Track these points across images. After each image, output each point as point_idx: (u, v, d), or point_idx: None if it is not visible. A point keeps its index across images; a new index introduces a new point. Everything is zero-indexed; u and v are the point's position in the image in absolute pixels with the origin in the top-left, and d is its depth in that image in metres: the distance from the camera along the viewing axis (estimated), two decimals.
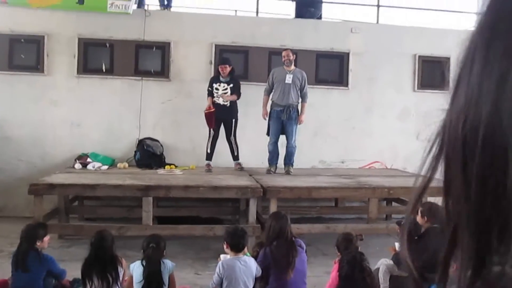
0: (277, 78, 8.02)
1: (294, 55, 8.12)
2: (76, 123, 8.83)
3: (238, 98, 8.14)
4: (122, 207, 8.04)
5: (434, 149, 0.57)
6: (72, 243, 6.95)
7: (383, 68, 9.66)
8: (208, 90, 8.12)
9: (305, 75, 8.06)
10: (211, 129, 8.07)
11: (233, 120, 8.19)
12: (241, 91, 8.14)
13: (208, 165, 8.15)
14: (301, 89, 8.01)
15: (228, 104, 8.09)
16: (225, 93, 8.04)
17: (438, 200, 0.56)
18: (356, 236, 4.34)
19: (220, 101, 8.05)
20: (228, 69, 8.05)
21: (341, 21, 10.90)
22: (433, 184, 0.59)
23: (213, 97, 8.04)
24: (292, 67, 8.06)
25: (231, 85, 8.08)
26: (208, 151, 8.17)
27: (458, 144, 0.53)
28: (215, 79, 8.21)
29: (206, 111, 7.98)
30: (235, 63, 8.47)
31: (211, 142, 8.13)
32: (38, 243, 4.33)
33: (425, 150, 0.57)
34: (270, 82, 8.09)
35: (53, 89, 8.78)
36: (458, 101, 0.54)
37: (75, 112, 8.82)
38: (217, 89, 8.06)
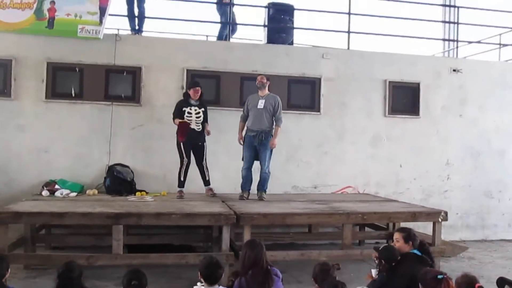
0: (251, 104, 8.09)
1: (268, 82, 8.14)
2: (44, 149, 8.61)
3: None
4: (91, 235, 7.83)
5: None
6: (38, 274, 6.71)
7: (354, 94, 9.76)
8: (173, 114, 8.04)
9: (278, 99, 8.08)
10: (184, 157, 7.96)
11: (204, 144, 8.13)
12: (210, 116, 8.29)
13: (181, 191, 8.01)
14: (274, 113, 8.00)
15: (200, 129, 8.02)
16: (198, 117, 7.98)
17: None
18: (333, 265, 4.25)
19: (193, 126, 7.97)
20: (200, 91, 8.03)
21: (312, 46, 11.00)
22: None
23: (183, 119, 7.95)
24: (266, 92, 8.09)
25: (202, 108, 8.07)
26: (181, 178, 8.03)
27: None
28: (185, 103, 8.09)
29: (181, 121, 7.89)
30: (207, 88, 8.44)
31: (184, 170, 8.01)
32: (4, 279, 4.10)
33: None
34: (245, 108, 8.19)
35: (20, 114, 8.56)
36: None
37: (42, 138, 8.61)
38: (189, 113, 7.98)
